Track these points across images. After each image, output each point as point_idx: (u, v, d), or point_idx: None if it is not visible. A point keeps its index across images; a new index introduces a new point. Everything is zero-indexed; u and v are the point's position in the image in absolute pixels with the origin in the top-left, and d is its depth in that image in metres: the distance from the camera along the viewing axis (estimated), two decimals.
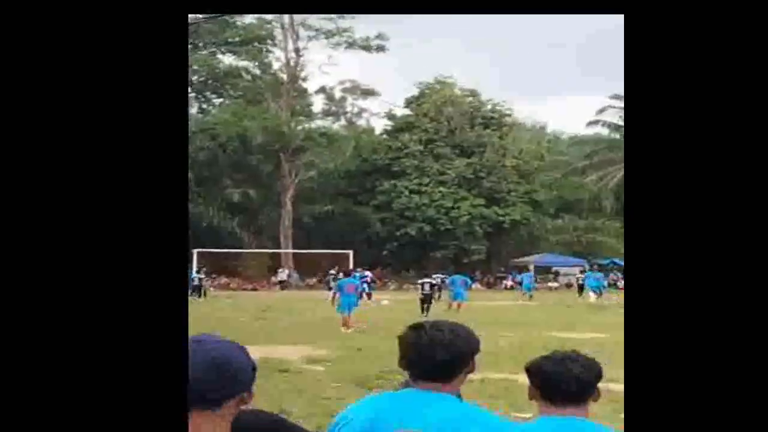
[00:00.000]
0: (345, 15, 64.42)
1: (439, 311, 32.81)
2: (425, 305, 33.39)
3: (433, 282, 35.51)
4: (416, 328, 3.41)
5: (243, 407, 2.59)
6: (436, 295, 34.96)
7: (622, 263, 68.85)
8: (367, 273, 49.47)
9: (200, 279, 47.39)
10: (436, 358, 3.30)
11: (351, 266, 51.64)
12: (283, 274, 62.93)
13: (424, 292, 34.12)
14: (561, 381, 3.53)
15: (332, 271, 39.21)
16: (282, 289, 59.56)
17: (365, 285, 35.91)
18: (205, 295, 45.86)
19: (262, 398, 11.90)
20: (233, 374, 2.52)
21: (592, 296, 44.64)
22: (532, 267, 63.10)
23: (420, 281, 36.50)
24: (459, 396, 3.41)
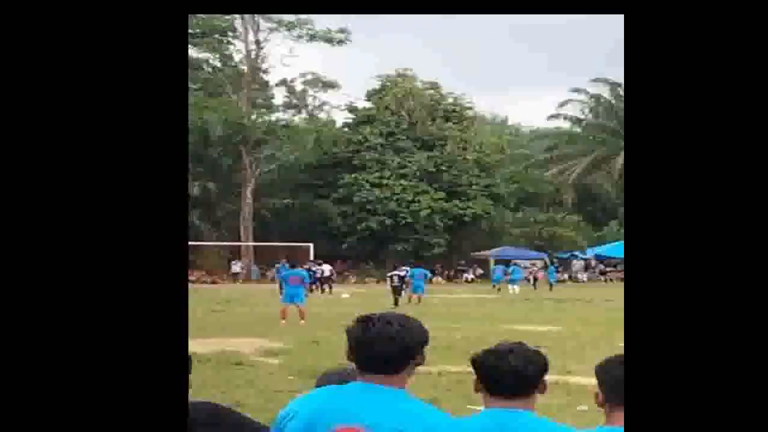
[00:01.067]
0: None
1: (398, 304, 32.98)
2: (395, 296, 34.69)
3: (402, 274, 36.33)
4: (363, 320, 3.37)
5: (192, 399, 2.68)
6: (405, 287, 35.58)
7: (583, 256, 69.77)
8: (326, 266, 49.56)
9: None
10: (382, 350, 3.26)
11: (312, 258, 51.76)
12: (236, 267, 62.90)
13: (394, 284, 35.44)
14: (502, 374, 3.51)
15: (278, 265, 39.35)
16: (237, 281, 59.64)
17: (311, 277, 36.05)
18: None
19: (216, 390, 11.87)
20: None
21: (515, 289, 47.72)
22: (492, 260, 63.45)
23: (389, 273, 38.03)
24: (402, 388, 3.35)
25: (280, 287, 28.44)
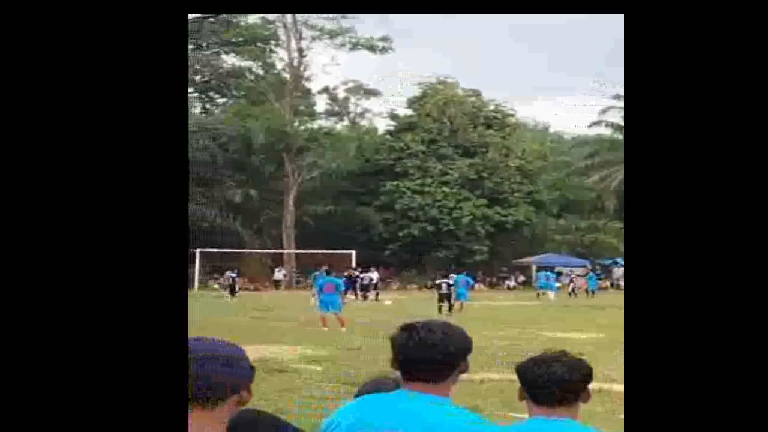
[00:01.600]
0: (347, 15, 64.71)
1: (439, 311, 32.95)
2: (442, 304, 34.63)
3: (450, 282, 36.26)
4: (407, 328, 3.37)
5: (241, 407, 2.63)
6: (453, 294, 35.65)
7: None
8: (374, 273, 49.75)
9: (233, 278, 48.54)
10: (426, 358, 3.26)
11: (354, 266, 51.92)
12: (279, 274, 63.03)
13: (441, 292, 35.45)
14: (545, 383, 3.51)
15: (316, 273, 39.75)
16: (277, 288, 59.76)
17: (348, 284, 36.13)
18: (233, 293, 46.93)
19: (259, 398, 11.91)
20: (232, 372, 2.55)
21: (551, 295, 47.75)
22: (534, 267, 63.18)
23: (438, 281, 38.07)
24: (447, 396, 3.36)
25: (317, 295, 28.50)
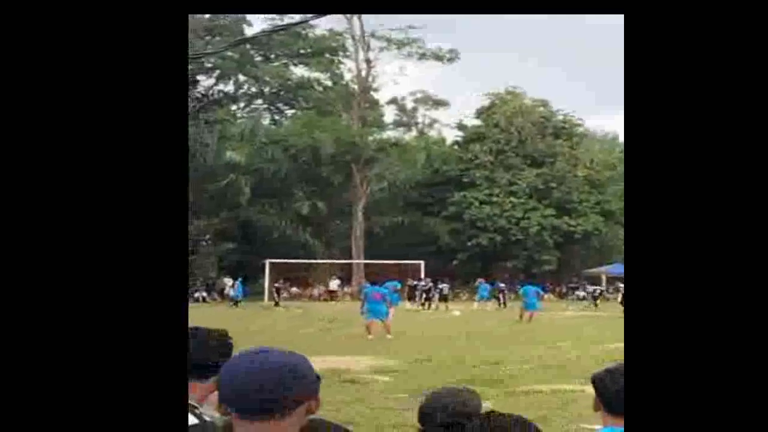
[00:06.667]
0: (415, 26, 64.85)
1: (509, 322, 32.83)
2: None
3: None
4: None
5: (310, 416, 2.61)
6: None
7: None
8: (444, 285, 49.96)
9: (277, 288, 51.42)
10: None
11: (422, 276, 52.04)
12: (334, 284, 63.13)
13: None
14: (620, 393, 3.46)
15: (366, 283, 40.47)
16: (333, 298, 59.97)
17: (395, 294, 36.55)
18: (277, 304, 48.37)
19: (328, 407, 12.00)
20: (301, 383, 2.54)
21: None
22: (604, 277, 62.54)
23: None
24: None
25: (363, 303, 28.75)
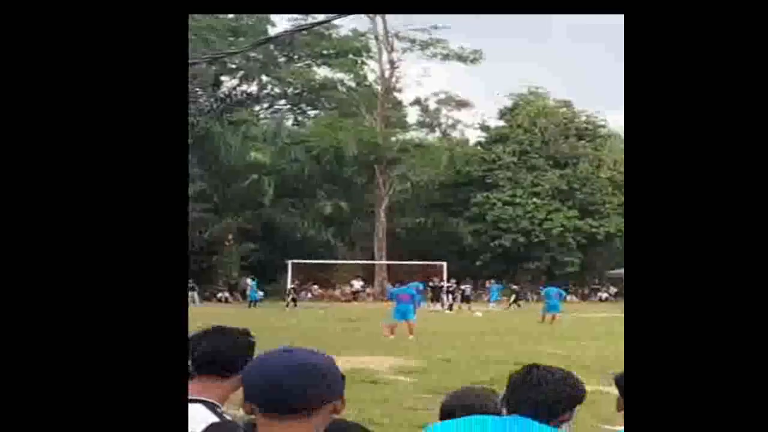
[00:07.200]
0: (439, 26, 64.79)
1: (531, 323, 32.78)
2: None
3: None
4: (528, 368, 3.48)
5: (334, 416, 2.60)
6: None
7: None
8: (467, 286, 50.13)
9: (293, 289, 51.21)
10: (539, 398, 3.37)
11: (445, 277, 52.03)
12: (356, 285, 63.29)
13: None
14: None
15: (389, 285, 40.73)
16: (356, 299, 60.09)
17: (419, 295, 36.64)
18: (295, 304, 48.57)
19: (350, 407, 12.02)
20: (326, 382, 2.53)
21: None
22: None
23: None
24: None
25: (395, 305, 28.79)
